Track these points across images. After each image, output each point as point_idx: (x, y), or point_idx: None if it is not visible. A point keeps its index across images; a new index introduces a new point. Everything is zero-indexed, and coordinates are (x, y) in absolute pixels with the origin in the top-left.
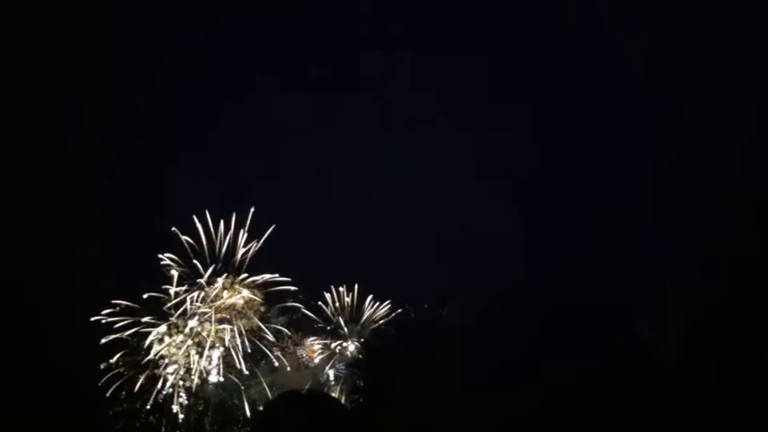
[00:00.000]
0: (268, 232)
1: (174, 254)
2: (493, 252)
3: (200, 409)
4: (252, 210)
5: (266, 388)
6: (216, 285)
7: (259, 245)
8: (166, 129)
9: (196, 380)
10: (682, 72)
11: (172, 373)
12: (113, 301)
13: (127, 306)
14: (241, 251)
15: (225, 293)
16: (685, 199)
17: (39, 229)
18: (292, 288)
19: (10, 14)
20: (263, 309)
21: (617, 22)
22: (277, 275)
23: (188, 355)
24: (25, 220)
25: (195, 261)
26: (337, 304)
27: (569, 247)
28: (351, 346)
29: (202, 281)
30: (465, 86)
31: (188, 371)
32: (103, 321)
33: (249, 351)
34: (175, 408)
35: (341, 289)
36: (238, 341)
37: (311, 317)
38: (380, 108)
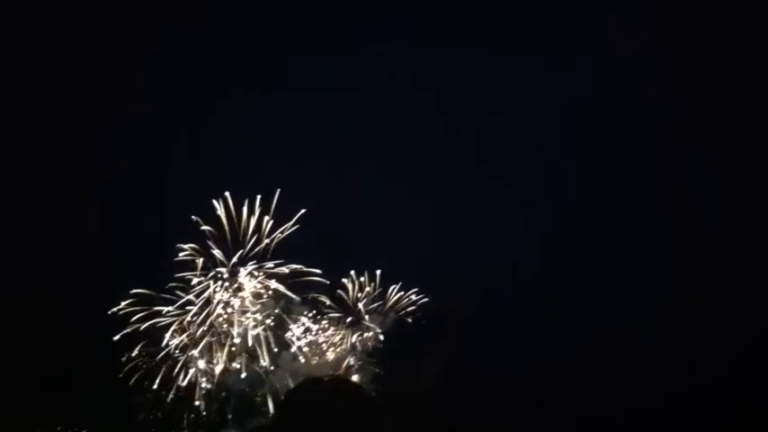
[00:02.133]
0: (297, 216)
1: (195, 242)
2: (501, 250)
3: (222, 398)
4: (278, 191)
5: (288, 377)
6: (240, 275)
7: (290, 230)
8: (179, 120)
9: (218, 369)
10: (686, 74)
11: (194, 361)
12: (132, 291)
13: (147, 296)
14: (266, 237)
15: (248, 283)
16: (692, 198)
17: (51, 221)
18: (319, 279)
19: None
20: (285, 300)
21: (618, 22)
22: (301, 266)
23: (210, 346)
24: (40, 211)
25: (216, 251)
26: (359, 294)
27: (576, 246)
28: (371, 336)
29: (225, 270)
30: (466, 86)
31: (210, 361)
32: (121, 313)
33: (272, 341)
34: (197, 398)
35: (362, 279)
36: (261, 331)
37: (334, 307)
38: (389, 106)
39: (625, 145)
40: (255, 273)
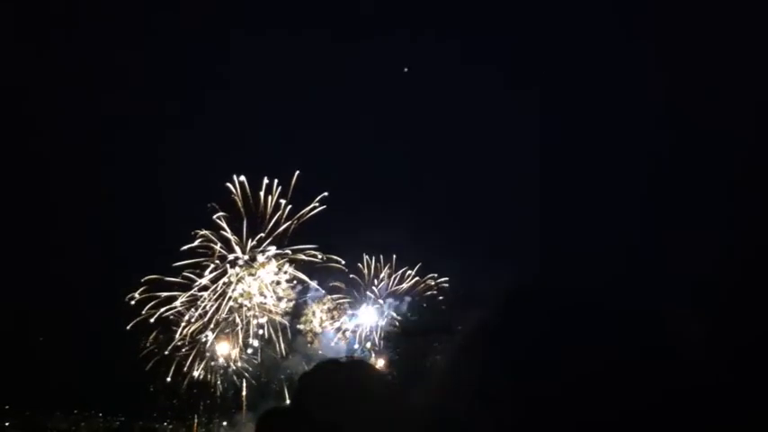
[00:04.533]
0: (318, 198)
1: (209, 227)
2: (517, 243)
3: (238, 383)
4: (297, 173)
5: (303, 361)
6: (256, 260)
7: (310, 214)
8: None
9: (234, 355)
10: (692, 66)
11: (210, 347)
12: (144, 278)
13: (160, 283)
14: (284, 221)
15: (265, 268)
16: (696, 196)
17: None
18: (338, 266)
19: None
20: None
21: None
22: (320, 255)
23: (226, 332)
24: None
25: (232, 237)
26: (375, 279)
27: (593, 240)
28: (387, 320)
29: (241, 255)
30: (471, 79)
31: (226, 347)
32: (133, 302)
33: (288, 327)
34: (212, 383)
35: (379, 263)
36: (278, 317)
37: (350, 291)
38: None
39: (630, 144)
40: (273, 258)
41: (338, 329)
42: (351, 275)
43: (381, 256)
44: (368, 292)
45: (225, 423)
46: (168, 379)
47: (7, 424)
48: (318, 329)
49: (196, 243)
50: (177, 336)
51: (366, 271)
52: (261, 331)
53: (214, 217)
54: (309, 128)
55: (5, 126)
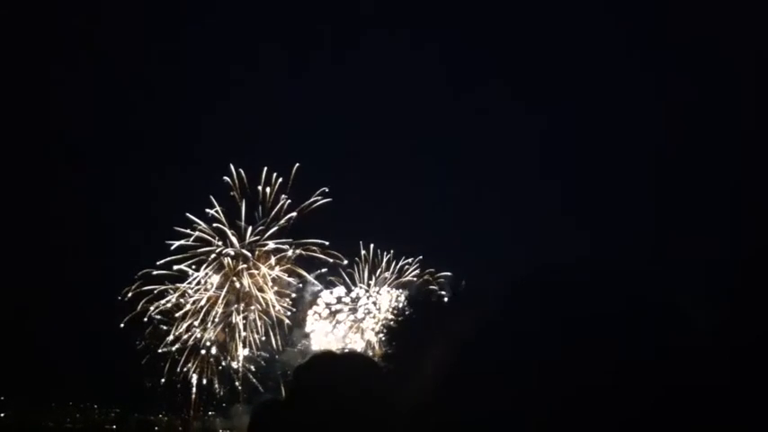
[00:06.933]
0: (318, 192)
1: (207, 220)
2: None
3: (233, 376)
4: (296, 166)
5: (299, 354)
6: (254, 254)
7: (310, 208)
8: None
9: (230, 349)
10: (701, 66)
11: (206, 341)
12: (139, 274)
13: (155, 278)
14: (284, 215)
15: (264, 263)
16: (715, 190)
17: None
18: (337, 261)
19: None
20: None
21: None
22: (319, 250)
23: (222, 326)
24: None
25: (229, 231)
26: (374, 273)
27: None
28: (384, 313)
29: (242, 251)
30: (473, 76)
31: (223, 341)
32: (125, 300)
33: (285, 321)
34: (207, 377)
35: (377, 258)
36: (274, 312)
37: (348, 285)
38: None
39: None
40: (272, 252)
41: (335, 324)
42: (349, 270)
43: (380, 250)
44: (365, 286)
45: (220, 416)
46: (164, 372)
47: (2, 415)
48: (316, 324)
49: (195, 235)
50: (174, 330)
51: (365, 264)
52: (258, 325)
53: (212, 211)
54: (310, 125)
55: (6, 125)
